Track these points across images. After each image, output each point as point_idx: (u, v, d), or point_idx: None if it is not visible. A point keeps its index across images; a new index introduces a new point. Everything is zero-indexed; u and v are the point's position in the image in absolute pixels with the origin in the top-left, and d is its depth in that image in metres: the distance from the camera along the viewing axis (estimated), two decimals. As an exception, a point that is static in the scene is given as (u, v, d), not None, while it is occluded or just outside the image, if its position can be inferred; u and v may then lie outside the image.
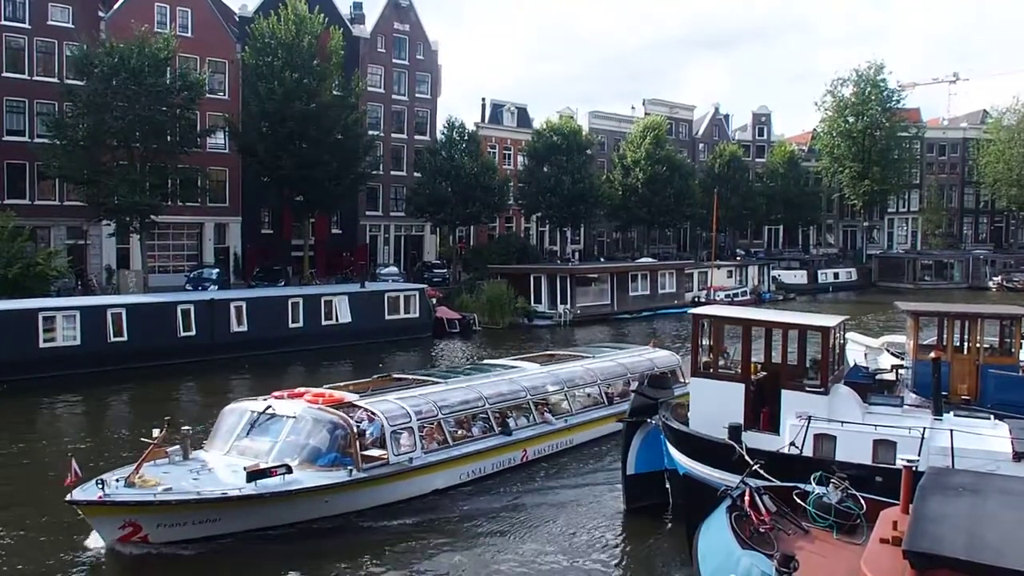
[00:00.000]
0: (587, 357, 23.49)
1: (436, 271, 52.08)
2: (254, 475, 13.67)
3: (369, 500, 15.28)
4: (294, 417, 15.69)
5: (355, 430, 15.31)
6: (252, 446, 15.50)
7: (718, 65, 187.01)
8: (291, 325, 35.03)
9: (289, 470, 14.17)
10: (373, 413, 16.11)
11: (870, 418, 13.95)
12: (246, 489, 13.62)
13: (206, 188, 43.98)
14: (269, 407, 15.95)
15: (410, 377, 19.83)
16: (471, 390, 18.68)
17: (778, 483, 11.51)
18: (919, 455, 12.16)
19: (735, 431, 13.24)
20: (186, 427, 15.89)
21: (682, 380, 22.22)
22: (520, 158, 64.37)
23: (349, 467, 14.86)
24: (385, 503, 15.47)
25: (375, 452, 15.50)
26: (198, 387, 28.72)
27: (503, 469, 17.91)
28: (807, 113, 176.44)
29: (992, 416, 14.28)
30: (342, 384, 18.78)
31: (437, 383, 18.79)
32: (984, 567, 6.96)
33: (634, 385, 21.33)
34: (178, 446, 15.25)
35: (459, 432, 17.52)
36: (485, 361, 23.30)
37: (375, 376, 20.34)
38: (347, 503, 14.99)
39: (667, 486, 15.81)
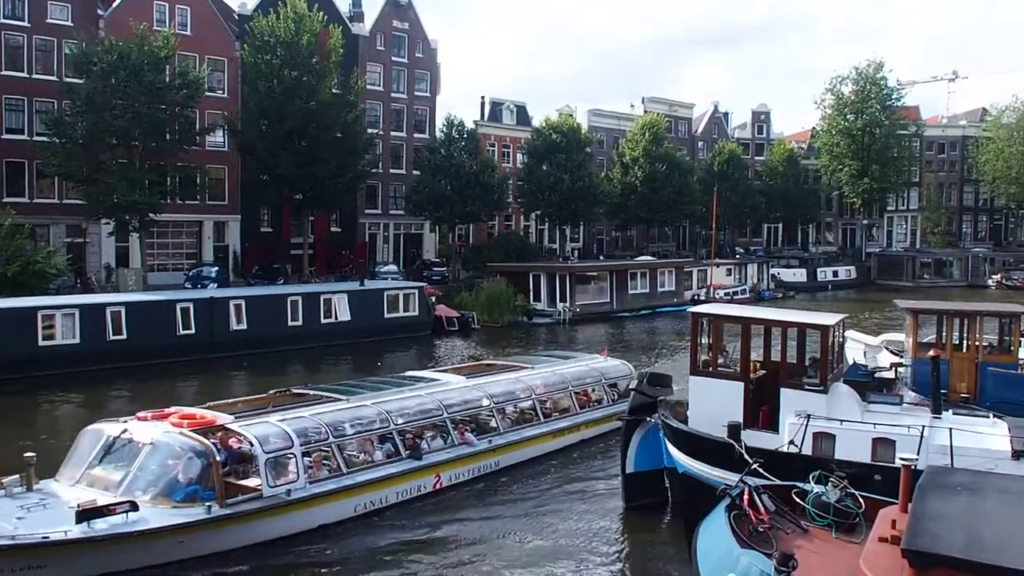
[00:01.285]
0: (525, 368, 21.55)
1: (435, 269, 52.06)
2: (86, 515, 11.81)
3: (237, 539, 13.39)
4: (151, 443, 13.77)
5: (217, 458, 13.51)
6: (104, 476, 13.63)
7: (718, 63, 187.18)
8: (290, 323, 35.01)
9: (134, 507, 12.33)
10: (245, 438, 14.18)
11: (869, 416, 13.97)
12: (74, 532, 11.72)
13: (205, 186, 43.96)
14: (125, 431, 14.12)
15: (312, 392, 17.71)
16: (376, 408, 16.61)
17: (777, 482, 11.52)
18: (918, 453, 12.19)
19: (734, 430, 13.26)
20: (29, 453, 13.73)
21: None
22: (519, 156, 64.39)
23: (209, 502, 13.02)
24: (258, 542, 13.61)
25: (251, 482, 13.79)
26: (196, 386, 28.66)
27: (411, 498, 15.95)
28: (807, 111, 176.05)
29: (991, 414, 14.30)
30: (230, 401, 17.03)
31: (339, 400, 16.75)
32: (982, 566, 6.97)
33: (576, 399, 20.68)
34: (18, 475, 13.31)
35: (358, 457, 15.64)
36: (408, 373, 21.02)
37: (273, 391, 18.18)
38: (208, 543, 13.09)
39: (666, 485, 15.82)
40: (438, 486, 16.56)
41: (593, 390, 21.65)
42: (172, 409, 15.22)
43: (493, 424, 18.53)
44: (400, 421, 16.64)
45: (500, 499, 16.65)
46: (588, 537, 14.67)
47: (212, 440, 14.02)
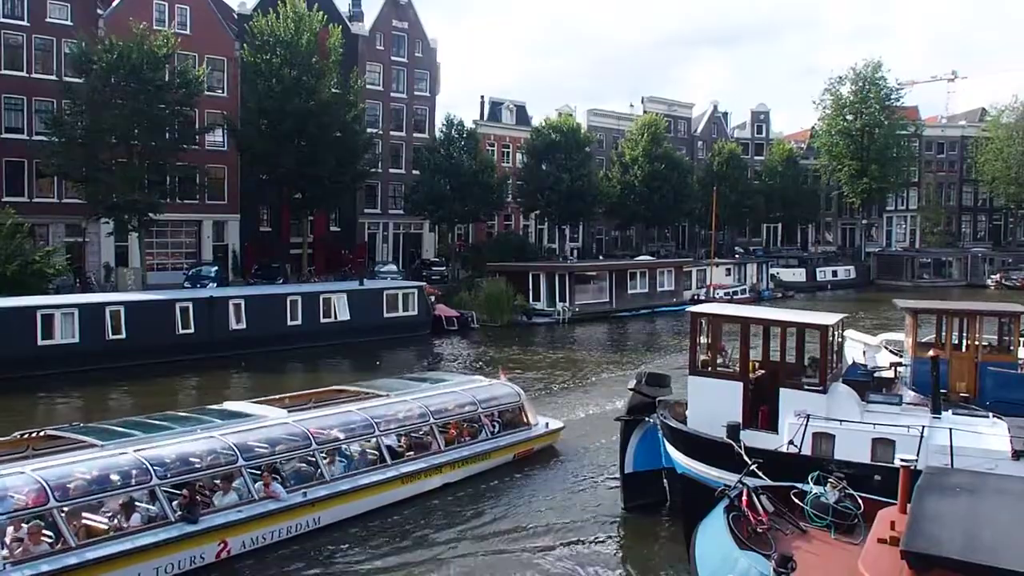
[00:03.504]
0: (378, 396, 17.90)
1: (435, 269, 52.13)
2: None
3: None
4: None
5: None
6: None
7: (721, 62, 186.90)
8: (290, 323, 35.00)
9: None
10: None
11: (869, 416, 13.96)
12: None
13: (205, 185, 44.01)
14: None
15: (69, 435, 14.05)
16: (136, 457, 12.92)
17: (775, 483, 11.52)
18: (918, 454, 12.19)
19: (733, 430, 13.24)
20: None
21: (525, 421, 19.33)
22: (519, 156, 64.37)
23: None
24: None
25: None
26: (195, 386, 28.71)
27: (182, 573, 12.69)
28: (808, 110, 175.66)
29: (991, 414, 14.28)
30: None
31: (93, 447, 13.27)
32: (981, 567, 6.96)
33: (441, 433, 17.41)
34: None
35: (105, 524, 12.42)
36: (226, 405, 17.04)
37: (20, 433, 14.48)
38: None
39: (665, 485, 15.81)
40: (224, 555, 13.17)
41: (466, 422, 18.32)
42: None
43: (319, 471, 14.91)
44: (170, 473, 13.15)
45: (316, 568, 13.36)
46: (585, 538, 14.63)
47: None
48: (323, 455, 15.17)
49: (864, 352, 22.44)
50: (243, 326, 33.49)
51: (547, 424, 19.90)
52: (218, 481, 13.80)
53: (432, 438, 17.23)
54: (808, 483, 11.01)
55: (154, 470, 12.82)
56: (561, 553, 13.94)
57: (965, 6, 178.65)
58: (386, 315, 38.32)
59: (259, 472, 14.19)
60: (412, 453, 16.74)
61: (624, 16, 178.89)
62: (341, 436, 15.84)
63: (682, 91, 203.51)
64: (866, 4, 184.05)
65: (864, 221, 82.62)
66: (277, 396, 18.42)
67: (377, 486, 15.52)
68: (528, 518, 15.52)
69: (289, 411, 16.30)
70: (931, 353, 15.09)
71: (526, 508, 16.04)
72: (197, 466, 13.75)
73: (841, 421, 13.72)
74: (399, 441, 16.90)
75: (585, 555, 13.90)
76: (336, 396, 18.57)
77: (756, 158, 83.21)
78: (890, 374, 19.05)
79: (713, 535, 10.67)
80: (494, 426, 18.67)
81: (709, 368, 15.78)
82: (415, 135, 58.40)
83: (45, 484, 11.78)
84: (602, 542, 14.51)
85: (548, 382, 28.54)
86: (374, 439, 16.19)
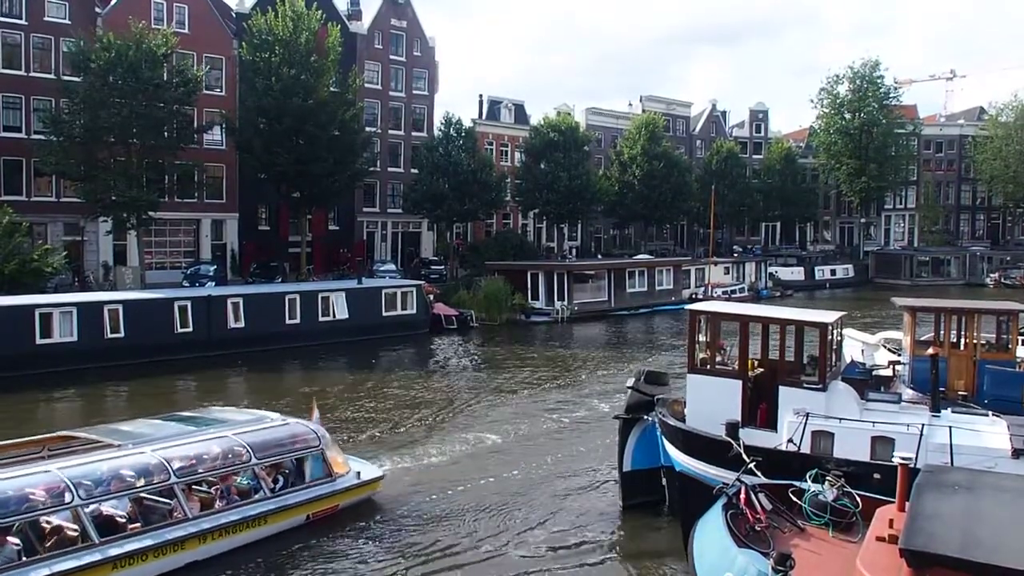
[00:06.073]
0: (106, 447, 13.35)
1: (433, 267, 52.12)
2: None
3: None
4: None
5: None
6: None
7: (720, 60, 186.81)
8: (288, 321, 35.00)
9: None
10: None
11: (868, 415, 13.95)
12: None
13: (203, 184, 43.96)
14: None
15: None
16: None
17: (774, 481, 11.52)
18: (917, 452, 12.19)
19: (732, 428, 13.23)
20: None
21: (327, 472, 15.09)
22: (517, 154, 64.41)
23: None
24: None
25: None
26: (194, 384, 28.67)
27: None
28: (809, 108, 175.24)
29: (990, 412, 14.29)
30: None
31: None
32: (979, 565, 6.96)
33: (189, 498, 13.27)
34: None
35: None
36: None
37: None
38: None
39: (663, 483, 15.80)
40: None
41: (234, 477, 14.11)
42: None
43: None
44: None
45: None
46: (584, 536, 14.61)
47: None
48: None
49: (863, 350, 22.44)
50: (242, 325, 33.47)
51: (359, 474, 15.62)
52: None
53: (175, 502, 12.96)
54: (806, 481, 11.01)
55: None
56: (558, 550, 13.88)
57: (965, 6, 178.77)
58: (385, 314, 38.30)
59: None
60: (139, 525, 12.49)
61: (624, 14, 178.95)
62: (16, 509, 11.42)
63: (681, 89, 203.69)
64: (866, 2, 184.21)
65: (862, 220, 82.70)
66: None
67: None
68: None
69: None
70: (930, 351, 15.06)
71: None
72: None
73: (840, 419, 13.71)
74: (125, 510, 12.65)
75: (583, 553, 13.85)
76: (63, 444, 14.03)
77: (755, 157, 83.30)
78: (889, 372, 19.04)
79: (711, 533, 10.67)
80: (277, 481, 14.48)
81: (708, 366, 15.75)
82: (413, 134, 58.39)
83: None
84: (600, 540, 14.47)
85: (544, 381, 28.51)
86: (74, 510, 11.82)
